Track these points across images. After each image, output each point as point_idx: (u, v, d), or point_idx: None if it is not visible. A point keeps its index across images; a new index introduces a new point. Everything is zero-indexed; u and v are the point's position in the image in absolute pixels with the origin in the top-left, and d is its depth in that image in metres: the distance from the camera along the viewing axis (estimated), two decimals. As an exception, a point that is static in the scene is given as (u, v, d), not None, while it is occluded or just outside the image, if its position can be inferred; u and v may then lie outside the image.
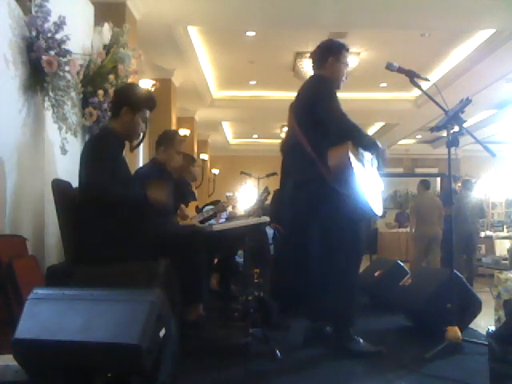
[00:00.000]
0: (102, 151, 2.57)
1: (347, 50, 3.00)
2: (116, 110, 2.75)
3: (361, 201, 2.64)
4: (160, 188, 2.61)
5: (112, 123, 2.77)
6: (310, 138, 2.82)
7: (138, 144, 3.05)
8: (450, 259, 3.00)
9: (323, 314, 2.93)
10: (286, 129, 12.70)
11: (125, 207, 2.59)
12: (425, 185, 7.92)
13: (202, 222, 3.86)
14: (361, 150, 2.80)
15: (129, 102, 2.71)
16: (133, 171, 3.40)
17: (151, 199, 2.56)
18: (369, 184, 2.77)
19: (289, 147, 3.15)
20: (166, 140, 3.73)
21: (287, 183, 3.10)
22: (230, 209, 4.47)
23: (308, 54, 7.71)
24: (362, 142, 2.78)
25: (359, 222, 2.88)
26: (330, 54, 2.95)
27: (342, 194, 2.65)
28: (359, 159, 2.76)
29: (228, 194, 8.94)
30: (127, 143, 2.88)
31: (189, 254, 2.57)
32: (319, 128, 2.77)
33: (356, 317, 2.88)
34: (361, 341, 2.77)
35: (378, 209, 2.78)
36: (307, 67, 7.69)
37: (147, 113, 2.77)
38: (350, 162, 2.60)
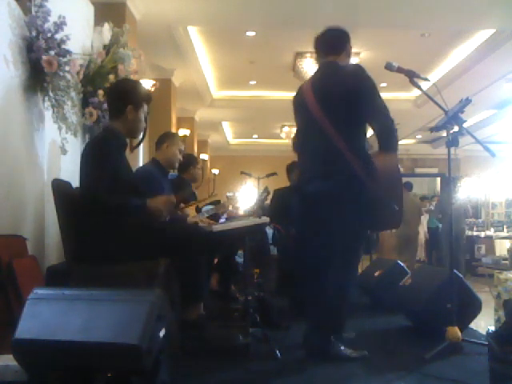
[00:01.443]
0: (103, 155, 2.55)
1: None
2: (119, 109, 2.70)
3: (401, 206, 2.63)
4: (165, 202, 2.61)
5: (114, 123, 2.73)
6: (344, 135, 2.64)
7: (139, 144, 3.05)
8: (450, 259, 3.01)
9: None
10: (286, 129, 12.52)
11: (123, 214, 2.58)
12: (406, 187, 8.32)
13: (210, 217, 3.84)
14: None
15: (132, 99, 2.69)
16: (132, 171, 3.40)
17: (150, 209, 2.56)
18: None
19: (311, 143, 2.89)
20: (169, 138, 3.79)
21: (305, 179, 2.88)
22: (229, 208, 4.47)
23: (308, 54, 7.71)
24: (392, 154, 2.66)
25: (363, 235, 2.83)
26: (347, 40, 2.88)
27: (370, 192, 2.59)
28: None
29: (228, 194, 8.94)
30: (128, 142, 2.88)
31: (189, 253, 2.57)
32: (358, 122, 2.69)
33: (343, 325, 2.80)
34: (342, 347, 2.68)
35: None
36: (307, 67, 7.69)
37: (146, 107, 2.77)
38: (400, 171, 2.63)
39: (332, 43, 2.88)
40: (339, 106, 2.67)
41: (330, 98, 2.71)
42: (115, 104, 2.75)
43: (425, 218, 10.27)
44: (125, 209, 2.55)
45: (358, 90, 2.65)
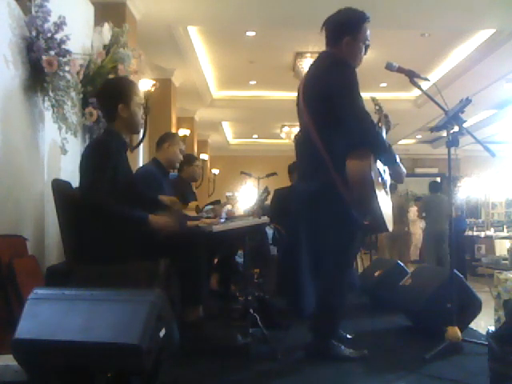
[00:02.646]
0: (103, 158, 2.54)
1: (368, 20, 2.66)
2: (111, 111, 2.69)
3: (378, 217, 2.51)
4: (166, 224, 2.55)
5: (113, 125, 2.73)
6: (323, 136, 2.54)
7: (139, 143, 3.05)
8: (450, 259, 3.01)
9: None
10: (286, 129, 12.50)
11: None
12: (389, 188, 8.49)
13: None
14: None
15: (119, 98, 2.66)
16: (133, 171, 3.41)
17: (151, 224, 2.51)
18: (384, 197, 2.61)
19: (300, 141, 2.83)
20: (170, 138, 3.81)
21: (297, 184, 2.87)
22: (229, 207, 4.45)
23: (308, 54, 7.72)
24: (382, 155, 2.58)
25: (356, 234, 2.72)
26: (346, 31, 2.62)
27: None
28: (377, 168, 2.60)
29: (228, 194, 8.92)
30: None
31: (189, 254, 2.57)
32: (335, 125, 2.51)
33: (339, 327, 2.78)
34: (342, 347, 2.66)
35: (389, 223, 2.64)
36: (307, 67, 7.66)
37: (137, 98, 2.73)
38: (373, 187, 2.43)
39: (331, 31, 2.69)
40: (317, 106, 2.59)
41: (310, 97, 2.65)
42: (106, 107, 2.75)
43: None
44: (126, 220, 2.53)
45: (328, 90, 2.51)
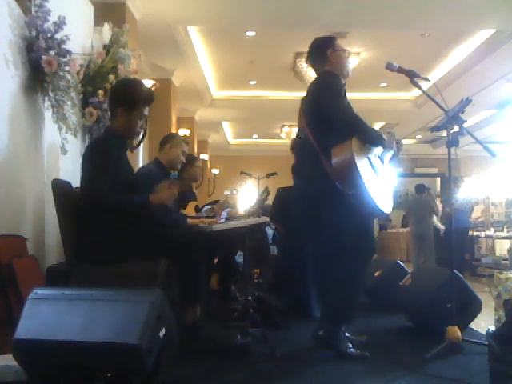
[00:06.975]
0: (104, 156, 2.55)
1: (336, 39, 2.98)
2: (112, 110, 2.74)
3: (366, 199, 2.59)
4: (169, 188, 2.60)
5: (113, 123, 2.76)
6: (316, 134, 2.79)
7: (139, 144, 3.05)
8: (450, 259, 3.00)
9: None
10: (286, 129, 12.61)
11: (126, 212, 2.57)
12: (417, 190, 8.67)
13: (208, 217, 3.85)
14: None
15: (123, 102, 2.67)
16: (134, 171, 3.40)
17: (153, 202, 2.54)
18: (376, 181, 2.69)
19: (299, 144, 3.12)
20: (172, 139, 3.80)
21: (297, 182, 3.10)
22: (229, 208, 4.46)
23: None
24: (367, 138, 2.70)
25: (369, 220, 2.84)
26: (325, 47, 2.90)
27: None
28: (365, 155, 2.70)
29: (227, 193, 8.90)
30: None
31: (189, 253, 2.57)
32: (325, 123, 2.72)
33: (353, 317, 2.85)
34: (349, 344, 2.73)
35: (386, 206, 2.71)
36: (307, 67, 7.69)
37: (145, 110, 2.72)
38: (354, 161, 2.54)
39: (313, 54, 2.97)
40: (310, 112, 2.88)
41: (306, 106, 2.96)
42: (110, 105, 2.79)
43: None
44: (128, 208, 2.54)
45: (314, 94, 2.82)
